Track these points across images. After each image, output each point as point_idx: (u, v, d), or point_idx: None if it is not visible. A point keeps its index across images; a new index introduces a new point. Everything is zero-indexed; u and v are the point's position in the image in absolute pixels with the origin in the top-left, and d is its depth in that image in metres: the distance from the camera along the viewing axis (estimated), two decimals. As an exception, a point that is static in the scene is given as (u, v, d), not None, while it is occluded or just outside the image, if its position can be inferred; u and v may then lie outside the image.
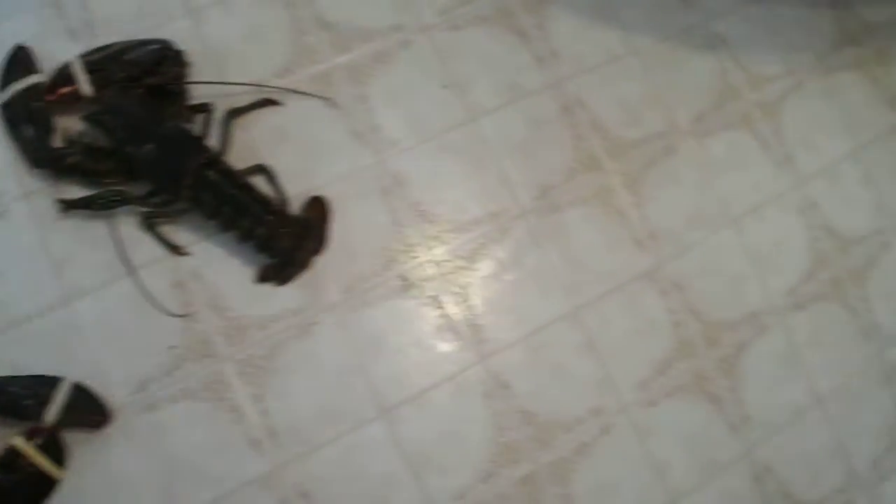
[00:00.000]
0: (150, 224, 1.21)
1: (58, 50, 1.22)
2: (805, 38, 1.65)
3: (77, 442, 1.11)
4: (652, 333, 1.39)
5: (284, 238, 1.20)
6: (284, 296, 1.24)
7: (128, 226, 1.20)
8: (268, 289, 1.24)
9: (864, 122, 1.64)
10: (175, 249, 1.22)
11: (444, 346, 1.29)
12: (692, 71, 1.54)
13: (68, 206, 1.17)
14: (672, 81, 1.52)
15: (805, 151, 1.57)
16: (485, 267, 1.33)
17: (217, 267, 1.23)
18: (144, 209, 1.20)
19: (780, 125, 1.57)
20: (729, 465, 1.39)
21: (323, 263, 1.26)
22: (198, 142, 1.19)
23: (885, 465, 1.49)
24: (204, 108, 1.23)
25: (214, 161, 1.18)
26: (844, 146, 1.61)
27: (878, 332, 1.53)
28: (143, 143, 1.15)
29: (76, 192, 1.18)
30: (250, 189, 1.20)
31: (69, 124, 1.19)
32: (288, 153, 1.28)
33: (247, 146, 1.26)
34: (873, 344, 1.53)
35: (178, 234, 1.22)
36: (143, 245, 1.20)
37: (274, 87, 1.29)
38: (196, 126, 1.22)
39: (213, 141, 1.22)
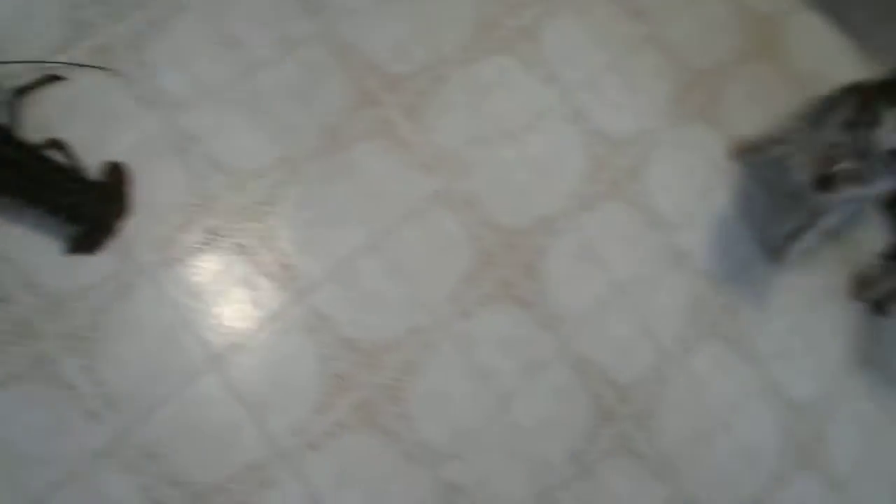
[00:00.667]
0: None
1: None
2: (551, -33, 2.20)
3: None
4: (452, 250, 1.84)
5: (90, 204, 1.52)
6: (97, 264, 1.57)
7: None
8: (80, 259, 1.56)
9: (615, 35, 2.20)
10: None
11: (260, 290, 1.67)
12: (452, 5, 2.03)
13: None
14: (434, 16, 2.00)
15: (567, 68, 2.11)
16: (284, 209, 1.73)
17: (23, 246, 1.53)
18: (-62, 199, 1.47)
19: (540, 47, 2.10)
20: (549, 362, 1.86)
21: (130, 227, 1.61)
22: None
23: (688, 339, 2.02)
24: None
25: (8, 138, 1.47)
26: (601, 59, 2.16)
27: (662, 221, 2.08)
28: (-70, 128, 1.42)
29: None
30: (49, 161, 1.50)
31: None
32: (79, 125, 1.61)
33: (38, 123, 1.57)
34: (660, 232, 2.07)
35: None
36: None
37: (55, 62, 1.62)
38: None
39: (2, 121, 1.51)
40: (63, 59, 1.64)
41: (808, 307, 2.17)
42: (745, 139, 2.16)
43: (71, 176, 1.51)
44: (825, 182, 1.70)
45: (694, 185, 2.16)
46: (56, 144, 1.55)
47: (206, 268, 1.65)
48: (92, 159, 1.59)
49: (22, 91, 1.56)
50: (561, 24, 2.16)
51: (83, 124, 1.62)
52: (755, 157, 2.16)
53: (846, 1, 2.63)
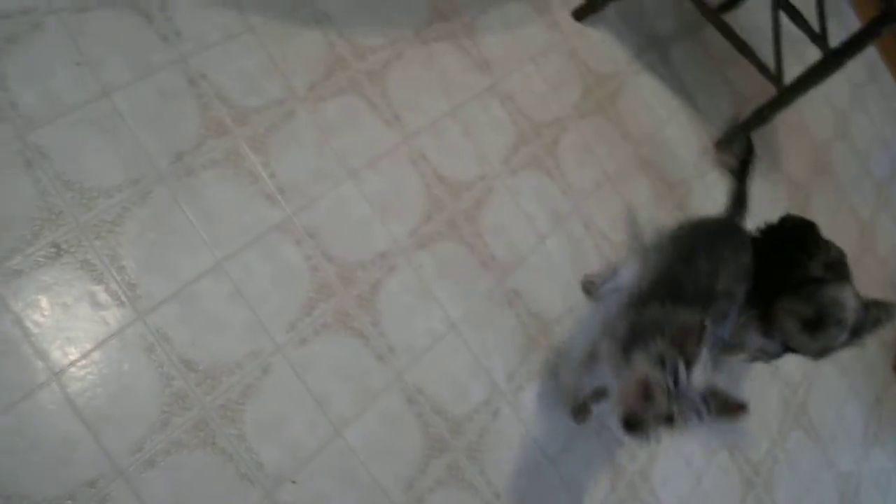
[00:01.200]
0: None
1: None
2: (402, 15, 2.35)
3: None
4: (293, 279, 1.92)
5: None
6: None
7: None
8: None
9: (459, 85, 2.37)
10: None
11: (102, 307, 1.69)
12: (303, 44, 2.15)
13: None
14: (286, 54, 2.11)
15: (410, 111, 2.24)
16: (131, 229, 1.77)
17: None
18: None
19: (387, 89, 2.23)
20: (382, 392, 1.95)
21: (-29, 236, 1.60)
22: None
23: (520, 377, 2.15)
24: None
25: None
26: (444, 105, 2.31)
27: (496, 263, 2.22)
28: None
29: None
30: None
31: None
32: None
33: None
34: (492, 273, 2.21)
35: None
36: None
37: None
38: None
39: None
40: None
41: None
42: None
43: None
44: (631, 423, 1.64)
45: (528, 230, 2.32)
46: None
47: (50, 282, 1.66)
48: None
49: None
50: (408, 71, 2.30)
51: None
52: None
53: (680, 66, 2.90)
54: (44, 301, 1.64)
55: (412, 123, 2.24)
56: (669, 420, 1.59)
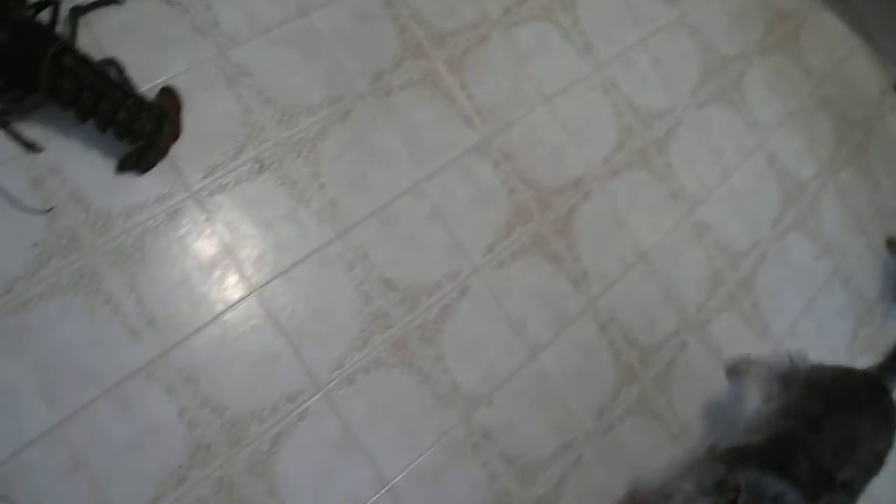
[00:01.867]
0: (2, 122, 1.42)
1: None
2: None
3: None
4: (491, 201, 1.82)
5: (145, 122, 1.46)
6: (146, 184, 1.52)
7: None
8: (129, 178, 1.51)
9: (647, 15, 2.22)
10: (30, 146, 1.44)
11: (303, 223, 1.62)
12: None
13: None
14: (479, -23, 1.98)
15: (601, 40, 2.10)
16: (331, 147, 1.69)
17: (74, 161, 1.47)
18: (-6, 106, 1.39)
19: (578, 17, 2.10)
20: (577, 318, 1.84)
21: (179, 151, 1.55)
22: (50, 30, 1.42)
23: (709, 309, 2.01)
24: (49, 3, 1.46)
25: (69, 49, 1.41)
26: (633, 35, 2.17)
27: (684, 194, 2.08)
28: (-9, 32, 1.33)
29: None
30: (107, 76, 1.44)
31: None
32: (133, 49, 1.56)
33: (92, 43, 1.53)
34: (681, 205, 2.07)
35: (32, 130, 1.46)
36: (-7, 144, 1.41)
37: None
38: (41, 21, 1.44)
39: (64, 34, 1.46)
40: (123, -20, 1.57)
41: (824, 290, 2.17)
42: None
43: (127, 92, 1.45)
44: None
45: (715, 164, 2.18)
46: (112, 63, 1.50)
47: (252, 197, 1.60)
48: (143, 83, 1.54)
49: (80, 9, 1.51)
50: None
51: (137, 49, 1.57)
52: None
53: (861, 5, 2.70)
54: (246, 216, 1.58)
55: (603, 52, 2.12)
56: None
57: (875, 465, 1.63)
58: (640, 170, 2.05)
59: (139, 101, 1.46)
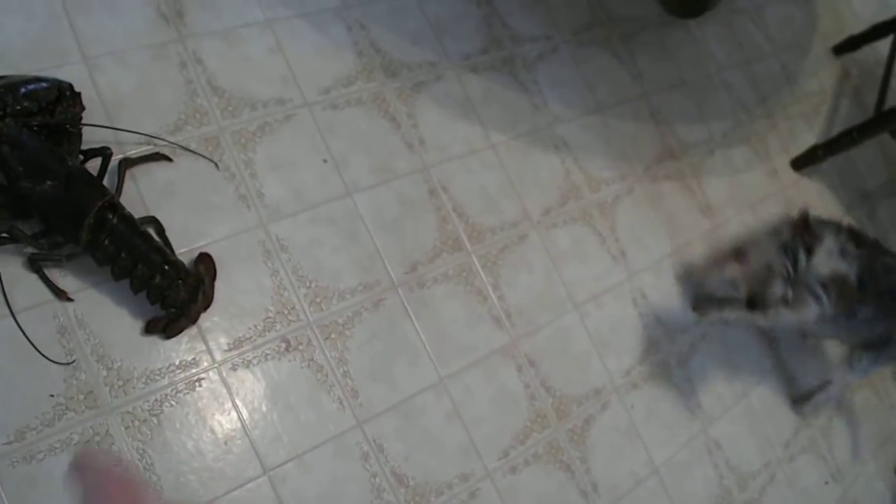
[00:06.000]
0: (37, 266, 1.43)
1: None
2: (635, 149, 2.28)
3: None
4: (511, 405, 1.83)
5: (179, 290, 1.48)
6: (171, 349, 1.54)
7: (10, 265, 1.43)
8: (154, 341, 1.52)
9: (682, 226, 2.27)
10: (60, 294, 1.45)
11: (323, 409, 1.63)
12: (540, 168, 2.09)
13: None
14: (523, 176, 2.05)
15: (635, 248, 2.15)
16: (360, 334, 1.71)
17: (103, 315, 1.49)
18: (33, 249, 1.42)
19: (615, 223, 2.14)
20: (583, 529, 1.83)
21: (207, 320, 1.58)
22: (100, 184, 1.45)
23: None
24: (101, 153, 1.50)
25: (115, 206, 1.44)
26: (667, 246, 2.21)
27: (701, 411, 2.09)
28: (43, 179, 1.37)
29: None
30: (149, 238, 1.47)
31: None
32: (174, 209, 1.60)
33: (134, 198, 1.56)
34: (697, 421, 2.08)
35: (64, 279, 1.48)
36: (26, 286, 1.44)
37: (167, 142, 1.62)
38: (89, 170, 1.47)
39: (110, 189, 1.48)
40: (174, 140, 1.64)
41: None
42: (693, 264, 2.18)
43: (165, 257, 1.47)
44: (754, 302, 1.73)
45: (734, 381, 2.21)
46: (153, 223, 1.53)
47: (275, 376, 1.61)
48: (181, 245, 1.57)
49: (129, 162, 1.55)
50: (636, 207, 2.22)
51: (179, 209, 1.61)
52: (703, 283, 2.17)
53: (890, 226, 2.77)
54: (267, 394, 1.59)
55: (635, 261, 2.16)
56: (785, 302, 1.69)
57: None
58: (659, 383, 2.07)
59: (176, 267, 1.48)
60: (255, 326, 1.62)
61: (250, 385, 1.58)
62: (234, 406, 1.55)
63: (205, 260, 1.57)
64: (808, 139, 2.76)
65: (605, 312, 2.04)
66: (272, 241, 1.68)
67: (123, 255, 1.41)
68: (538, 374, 1.89)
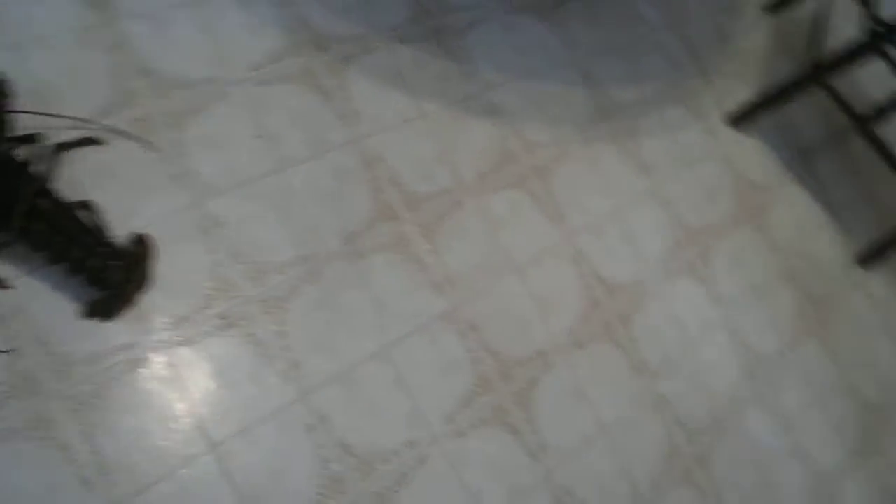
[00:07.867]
0: None
1: None
2: (568, 112, 2.32)
3: None
4: (454, 370, 1.86)
5: (115, 270, 1.50)
6: (111, 332, 1.55)
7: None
8: (94, 324, 1.53)
9: (620, 186, 2.31)
10: (1, 282, 1.46)
11: (266, 383, 1.65)
12: (474, 134, 2.12)
13: None
14: (457, 143, 2.08)
15: (573, 210, 2.19)
16: (299, 306, 1.73)
17: (41, 301, 1.49)
18: (-36, 241, 1.42)
19: (552, 186, 2.18)
20: (532, 490, 1.86)
21: (146, 300, 1.59)
22: (31, 171, 1.46)
23: (663, 485, 2.05)
24: (31, 139, 1.50)
25: (46, 191, 1.45)
26: (605, 206, 2.25)
27: (647, 368, 2.14)
28: (-31, 168, 1.37)
29: None
30: (81, 221, 1.48)
31: None
32: (109, 192, 1.61)
33: (68, 182, 1.57)
34: (643, 378, 2.12)
35: (0, 267, 1.48)
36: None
37: (100, 126, 1.63)
38: (20, 156, 1.48)
39: (41, 174, 1.50)
40: (106, 123, 1.65)
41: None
42: None
43: (99, 239, 1.49)
44: None
45: (681, 337, 2.24)
46: (86, 206, 1.54)
47: (216, 352, 1.63)
48: (117, 226, 1.58)
49: (61, 147, 1.55)
50: (572, 169, 2.26)
51: (113, 191, 1.62)
52: None
53: (829, 180, 2.82)
54: (209, 371, 1.61)
55: (574, 222, 2.19)
56: None
57: None
58: (603, 342, 2.10)
59: (111, 248, 1.50)
60: (195, 304, 1.63)
61: (192, 363, 1.59)
62: (177, 384, 1.57)
63: (141, 240, 1.58)
64: (744, 96, 2.80)
65: (545, 273, 2.08)
66: (208, 219, 1.69)
67: (57, 239, 1.43)
68: (480, 338, 1.92)
